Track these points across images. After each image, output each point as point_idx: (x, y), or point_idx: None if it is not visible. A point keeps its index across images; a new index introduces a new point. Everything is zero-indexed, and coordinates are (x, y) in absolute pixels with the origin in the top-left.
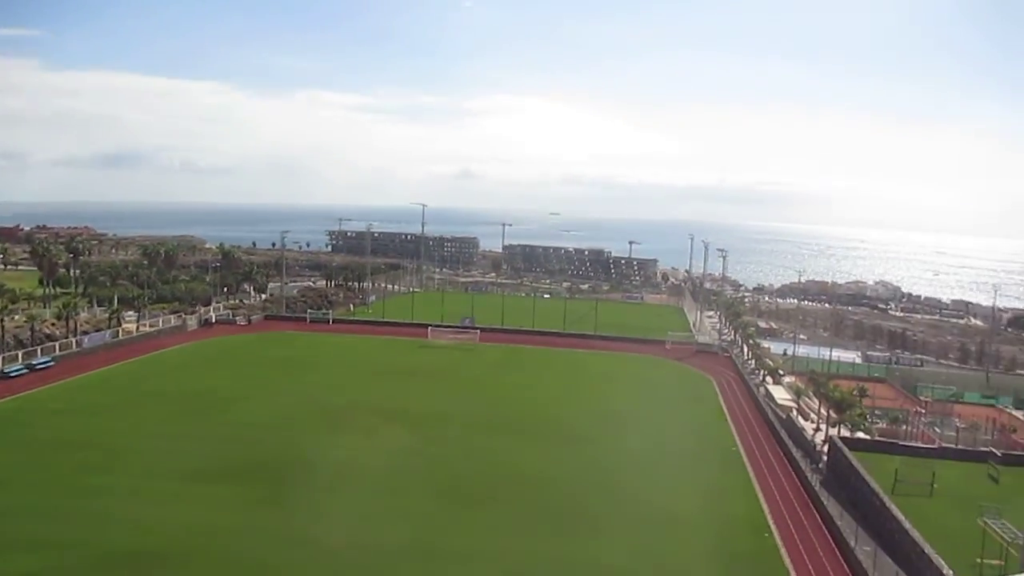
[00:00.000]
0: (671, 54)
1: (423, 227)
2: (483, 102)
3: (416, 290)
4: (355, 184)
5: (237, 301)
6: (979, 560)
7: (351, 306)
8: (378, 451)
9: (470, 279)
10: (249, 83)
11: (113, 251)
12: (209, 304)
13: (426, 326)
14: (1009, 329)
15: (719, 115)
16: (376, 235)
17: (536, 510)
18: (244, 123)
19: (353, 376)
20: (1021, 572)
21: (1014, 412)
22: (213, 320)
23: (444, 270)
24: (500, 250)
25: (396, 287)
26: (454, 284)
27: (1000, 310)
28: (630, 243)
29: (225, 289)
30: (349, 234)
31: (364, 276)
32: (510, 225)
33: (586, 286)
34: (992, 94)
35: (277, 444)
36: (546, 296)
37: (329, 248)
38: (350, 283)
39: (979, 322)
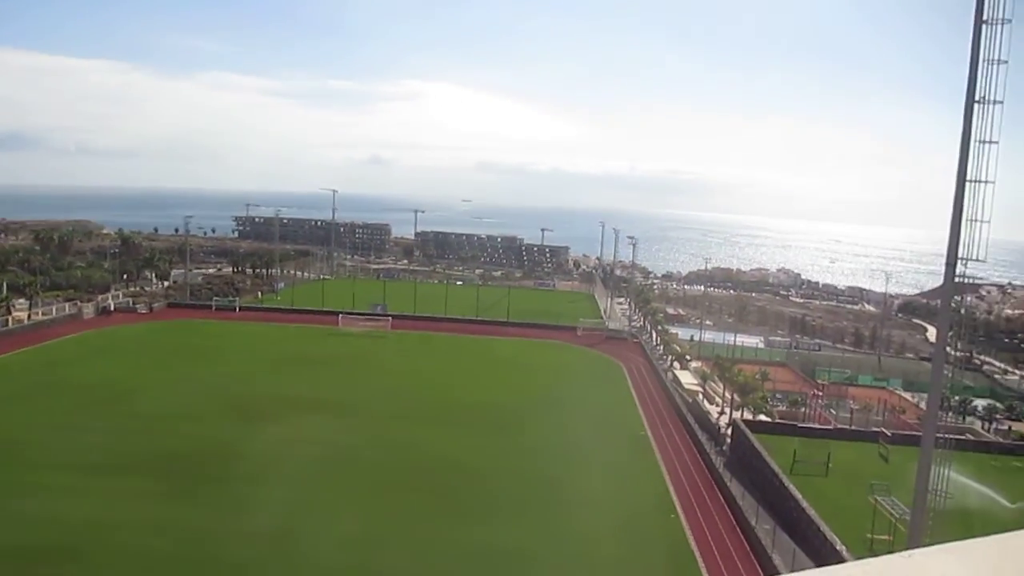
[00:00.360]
0: (585, 41)
1: (333, 213)
2: (393, 87)
3: (326, 277)
4: (262, 169)
5: (138, 288)
6: (869, 535)
7: (259, 293)
8: (287, 441)
9: (382, 266)
10: (151, 63)
11: (2, 236)
12: (107, 291)
13: (337, 313)
14: (899, 315)
15: (631, 104)
16: (285, 221)
17: (447, 496)
18: (145, 105)
19: (261, 365)
20: (908, 546)
21: (903, 394)
22: (112, 308)
23: (355, 257)
24: (412, 237)
25: (306, 274)
26: (366, 271)
27: (891, 296)
28: (542, 230)
29: (125, 276)
30: (257, 220)
31: (272, 263)
32: (422, 212)
33: (499, 273)
34: (886, 92)
35: (181, 436)
36: (459, 283)
37: (236, 234)
38: (258, 270)
39: (872, 308)
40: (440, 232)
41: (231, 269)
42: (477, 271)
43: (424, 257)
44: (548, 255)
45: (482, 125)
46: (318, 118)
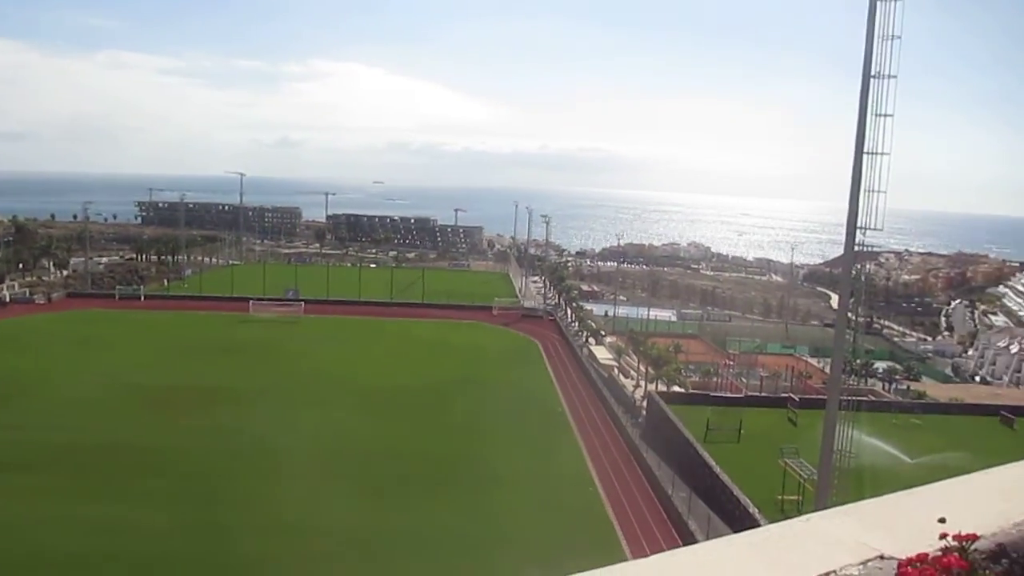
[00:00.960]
0: (498, 20)
1: (241, 197)
2: (302, 67)
3: (235, 263)
4: (164, 152)
5: (35, 278)
6: (780, 496)
7: (165, 281)
8: (198, 432)
9: (293, 250)
10: (43, 41)
11: None
12: (2, 282)
13: (247, 300)
14: (805, 284)
15: (545, 82)
16: (190, 206)
17: (367, 481)
18: (39, 85)
19: (169, 354)
20: (815, 504)
21: (809, 360)
22: (7, 299)
23: (265, 241)
24: (324, 220)
25: (214, 260)
26: (276, 256)
27: (797, 266)
28: (456, 211)
29: (20, 265)
30: (161, 205)
31: (179, 249)
32: (333, 195)
33: (413, 255)
34: (796, 69)
35: (85, 430)
36: (372, 266)
37: (139, 220)
38: (163, 257)
39: (779, 278)
40: (352, 215)
41: (135, 256)
42: (391, 253)
43: (336, 240)
44: (462, 236)
45: (393, 106)
46: (223, 99)
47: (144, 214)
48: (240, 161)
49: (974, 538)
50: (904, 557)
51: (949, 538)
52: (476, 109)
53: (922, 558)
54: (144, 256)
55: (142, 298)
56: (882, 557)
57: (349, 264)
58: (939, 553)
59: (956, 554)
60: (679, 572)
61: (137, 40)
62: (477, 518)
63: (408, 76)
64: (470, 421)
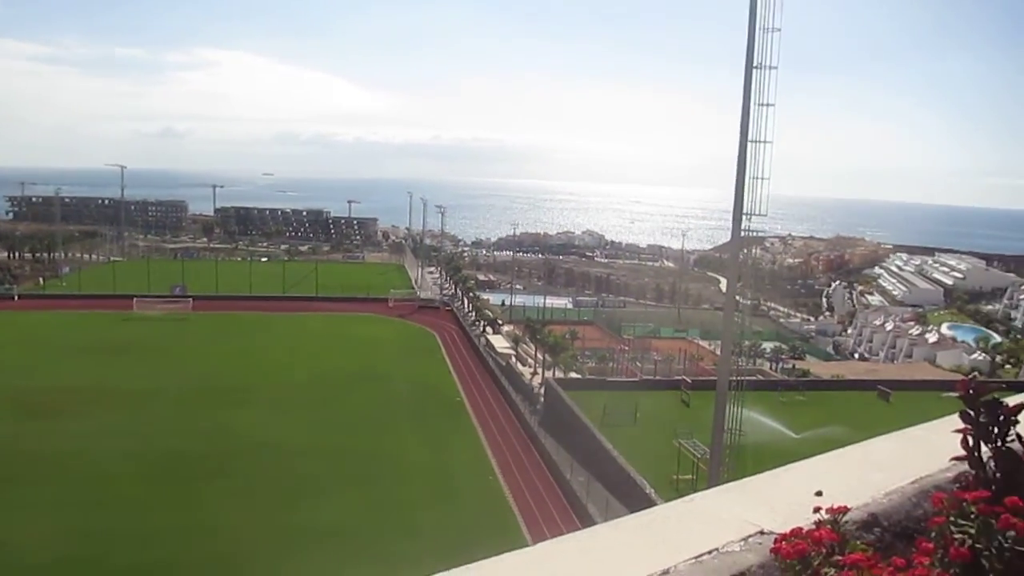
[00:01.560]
0: (389, 10)
1: (123, 190)
2: (186, 56)
3: (117, 259)
4: (38, 144)
5: None
6: (675, 476)
7: (41, 279)
8: (84, 436)
9: (179, 245)
10: None
11: None
12: None
13: (131, 297)
14: (695, 268)
15: (437, 73)
16: (67, 200)
17: (261, 479)
18: None
19: (48, 355)
20: (708, 481)
21: (701, 342)
22: None
23: (149, 236)
24: (212, 213)
25: (94, 257)
26: (161, 251)
27: (688, 252)
28: (349, 202)
29: None
30: (34, 200)
31: (55, 246)
32: (221, 187)
33: (306, 247)
34: (688, 59)
35: None
36: (264, 260)
37: (10, 216)
38: (38, 254)
39: (671, 264)
40: (242, 208)
41: (7, 254)
42: (283, 247)
43: (225, 234)
44: (356, 227)
45: (282, 95)
46: (102, 88)
47: (16, 209)
48: (121, 153)
49: (845, 510)
50: (782, 531)
51: (823, 511)
52: (367, 99)
53: (796, 532)
54: (17, 254)
55: (16, 298)
56: (762, 532)
57: (239, 258)
58: (813, 527)
59: (828, 527)
60: (564, 560)
61: (7, 27)
62: (377, 512)
63: (297, 65)
64: (367, 414)
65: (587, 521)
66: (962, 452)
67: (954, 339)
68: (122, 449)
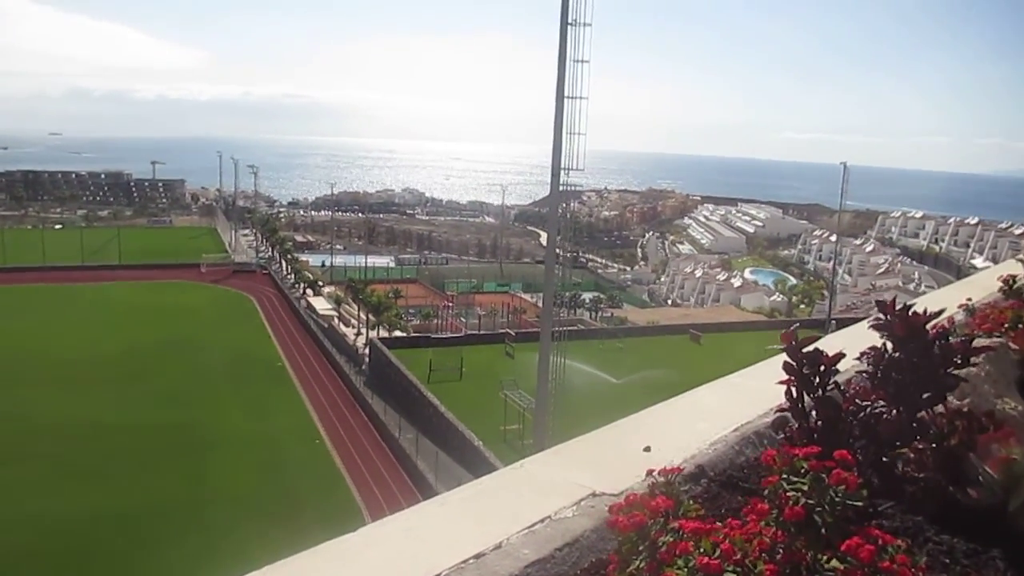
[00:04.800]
0: None
1: None
2: None
3: None
4: None
5: None
6: (503, 427)
7: None
8: None
9: None
10: None
11: None
12: None
13: None
14: (516, 224)
15: (242, 25)
16: None
17: (68, 461)
18: None
19: None
20: (534, 429)
21: (524, 295)
22: None
23: None
24: None
25: None
26: None
27: (508, 207)
28: (153, 163)
29: None
30: None
31: None
32: (4, 149)
33: (106, 213)
34: (507, 16)
35: None
36: (58, 227)
37: None
38: None
39: (492, 219)
40: (30, 171)
41: None
42: (79, 212)
43: (12, 200)
44: (162, 190)
45: (72, 49)
46: None
47: None
48: None
49: (678, 471)
50: (614, 491)
51: (656, 474)
52: (169, 53)
53: (632, 500)
54: None
55: None
56: (594, 495)
57: (30, 226)
58: (647, 490)
59: (663, 494)
60: (389, 545)
61: None
62: (200, 486)
63: (84, 14)
64: (182, 386)
65: (418, 478)
66: (784, 400)
67: (756, 283)
68: None
